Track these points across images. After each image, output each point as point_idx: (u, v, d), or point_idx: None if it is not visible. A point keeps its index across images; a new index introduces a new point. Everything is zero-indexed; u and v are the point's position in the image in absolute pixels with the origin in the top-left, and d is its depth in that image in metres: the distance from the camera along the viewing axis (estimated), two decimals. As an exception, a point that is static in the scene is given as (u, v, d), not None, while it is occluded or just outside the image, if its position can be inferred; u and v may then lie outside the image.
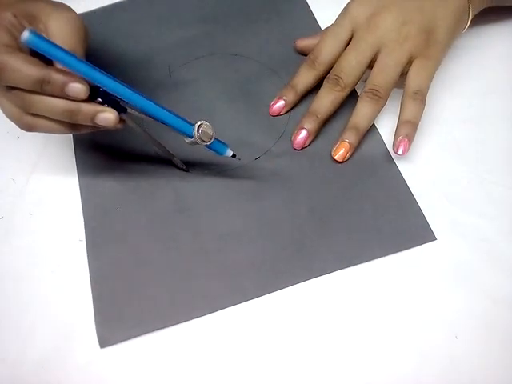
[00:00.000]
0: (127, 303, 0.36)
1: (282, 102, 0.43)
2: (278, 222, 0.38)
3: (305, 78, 0.42)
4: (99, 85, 0.33)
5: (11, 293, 0.38)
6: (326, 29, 0.43)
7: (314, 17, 0.48)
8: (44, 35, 0.33)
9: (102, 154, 0.43)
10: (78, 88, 0.32)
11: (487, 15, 0.44)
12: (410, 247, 0.36)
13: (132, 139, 0.41)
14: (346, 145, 0.39)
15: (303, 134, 0.41)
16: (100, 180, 0.41)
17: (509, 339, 0.33)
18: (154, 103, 0.35)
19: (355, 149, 0.40)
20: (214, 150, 0.38)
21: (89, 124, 0.34)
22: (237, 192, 0.40)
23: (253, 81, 0.45)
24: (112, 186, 0.41)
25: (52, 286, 0.37)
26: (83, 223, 0.39)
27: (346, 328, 0.34)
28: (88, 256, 0.38)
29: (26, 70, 0.31)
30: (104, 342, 0.35)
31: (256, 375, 0.33)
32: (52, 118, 0.33)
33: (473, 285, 0.35)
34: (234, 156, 0.38)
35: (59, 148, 0.43)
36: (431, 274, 0.36)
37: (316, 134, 0.41)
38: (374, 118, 0.40)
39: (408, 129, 0.39)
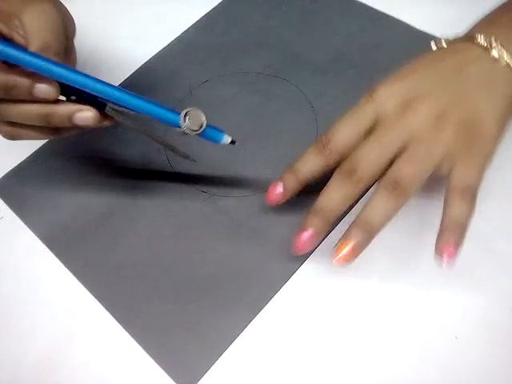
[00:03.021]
0: (182, 342, 0.35)
1: (279, 191, 0.35)
2: None
3: (311, 164, 0.34)
4: (63, 81, 0.30)
5: (11, 293, 0.38)
6: (346, 111, 0.35)
7: None
8: (16, 33, 0.31)
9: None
10: (46, 88, 0.29)
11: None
12: None
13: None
14: (350, 245, 0.31)
15: (307, 235, 0.33)
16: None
17: (509, 339, 0.33)
18: (132, 94, 0.32)
19: (362, 251, 0.32)
20: (208, 139, 0.35)
21: (68, 125, 0.31)
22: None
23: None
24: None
25: (52, 286, 0.37)
26: None
27: (345, 328, 0.34)
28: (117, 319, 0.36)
29: None
30: None
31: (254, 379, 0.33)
32: (28, 124, 0.31)
33: (473, 285, 0.35)
34: (232, 142, 0.35)
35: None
36: (431, 273, 0.36)
37: (324, 235, 0.33)
38: (391, 217, 0.32)
39: (456, 232, 0.31)
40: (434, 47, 0.37)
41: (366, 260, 0.36)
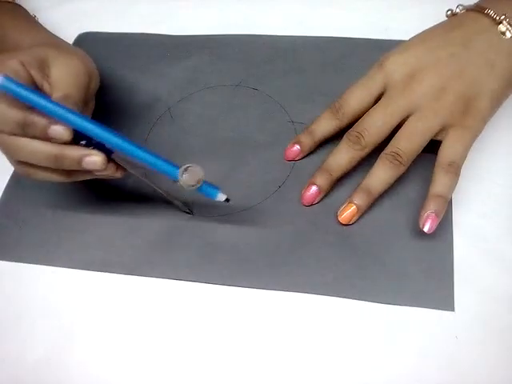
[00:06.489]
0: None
1: (297, 148, 0.40)
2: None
3: (325, 125, 0.40)
4: (74, 127, 0.32)
5: (11, 293, 0.38)
6: (358, 79, 0.39)
7: None
8: (46, 81, 0.35)
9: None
10: (60, 130, 0.32)
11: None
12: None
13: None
14: (354, 207, 0.36)
15: (313, 189, 0.38)
16: None
17: (509, 339, 0.33)
18: (136, 144, 0.34)
19: (363, 213, 0.37)
20: (204, 194, 0.35)
21: (77, 169, 0.33)
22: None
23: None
24: None
25: (52, 285, 0.37)
26: None
27: (345, 328, 0.34)
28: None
29: (7, 112, 0.32)
30: None
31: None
32: (40, 165, 0.33)
33: (473, 284, 0.35)
34: (227, 200, 0.36)
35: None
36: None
37: (327, 192, 0.38)
38: (390, 184, 0.37)
39: (438, 204, 0.35)
40: (446, 16, 0.40)
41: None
